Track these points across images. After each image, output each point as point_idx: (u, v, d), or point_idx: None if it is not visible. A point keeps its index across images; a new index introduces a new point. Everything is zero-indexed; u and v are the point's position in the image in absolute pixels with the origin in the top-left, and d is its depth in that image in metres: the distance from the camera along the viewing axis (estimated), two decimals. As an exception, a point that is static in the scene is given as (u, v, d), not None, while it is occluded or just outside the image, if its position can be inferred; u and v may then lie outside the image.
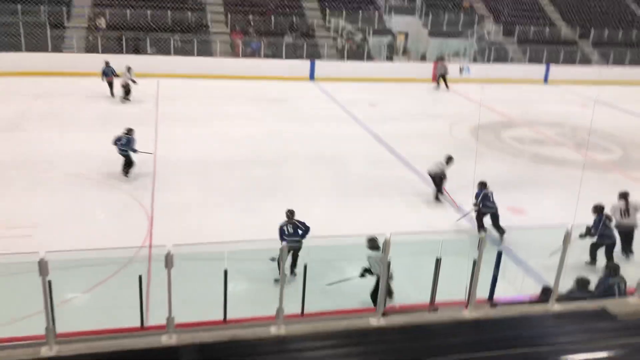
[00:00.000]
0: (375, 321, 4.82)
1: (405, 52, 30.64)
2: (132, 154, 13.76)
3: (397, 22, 31.34)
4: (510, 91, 27.94)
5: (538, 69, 30.29)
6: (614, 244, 10.61)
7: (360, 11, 30.74)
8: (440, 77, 27.25)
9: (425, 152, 16.89)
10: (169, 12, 27.56)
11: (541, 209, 13.67)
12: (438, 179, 13.81)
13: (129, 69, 21.26)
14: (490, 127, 20.76)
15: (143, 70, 23.76)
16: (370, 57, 29.06)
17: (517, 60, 31.00)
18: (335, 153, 16.88)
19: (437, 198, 13.87)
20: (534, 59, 30.83)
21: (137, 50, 25.73)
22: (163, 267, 4.74)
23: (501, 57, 30.64)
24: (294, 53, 27.74)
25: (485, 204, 12.05)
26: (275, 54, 27.47)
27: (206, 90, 24.11)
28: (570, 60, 31.01)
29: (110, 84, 21.30)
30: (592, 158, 17.92)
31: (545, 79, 30.25)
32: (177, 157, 15.63)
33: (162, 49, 26.12)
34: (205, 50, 26.62)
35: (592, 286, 8.21)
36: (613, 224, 10.83)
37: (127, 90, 21.15)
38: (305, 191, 13.82)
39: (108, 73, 21.23)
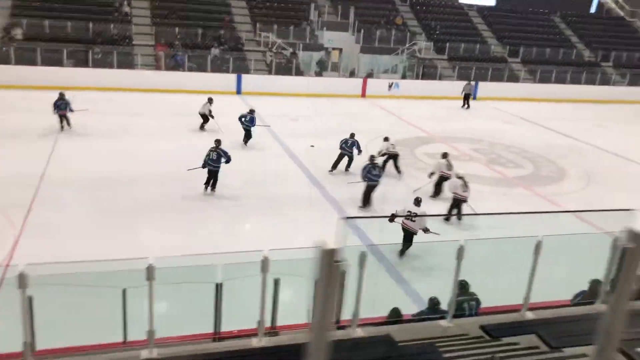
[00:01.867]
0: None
1: (336, 67, 30.53)
2: (252, 129, 18.57)
3: (329, 38, 31.26)
4: (437, 107, 28.13)
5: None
6: (374, 186, 14.09)
7: (292, 26, 30.55)
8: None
9: (325, 171, 16.71)
10: (91, 24, 26.74)
11: (435, 225, 13.52)
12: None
13: (210, 101, 20.37)
14: (407, 143, 20.69)
15: (60, 82, 22.94)
16: (299, 72, 28.83)
17: (447, 77, 31.29)
18: (244, 169, 16.43)
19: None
20: (464, 76, 31.18)
21: (52, 62, 24.78)
22: None
23: (431, 73, 30.87)
24: (221, 67, 27.27)
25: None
26: (201, 68, 26.93)
27: (124, 103, 23.34)
28: (498, 77, 31.49)
29: (63, 118, 18.76)
30: (501, 174, 18.01)
31: (474, 96, 30.58)
32: (68, 174, 14.87)
33: (81, 62, 25.26)
34: (128, 63, 25.88)
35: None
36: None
37: (205, 120, 20.34)
38: (206, 209, 13.35)
39: (61, 106, 18.60)
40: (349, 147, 16.90)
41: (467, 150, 20.45)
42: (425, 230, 11.66)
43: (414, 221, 11.57)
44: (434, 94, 29.63)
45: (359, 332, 5.43)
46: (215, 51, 27.68)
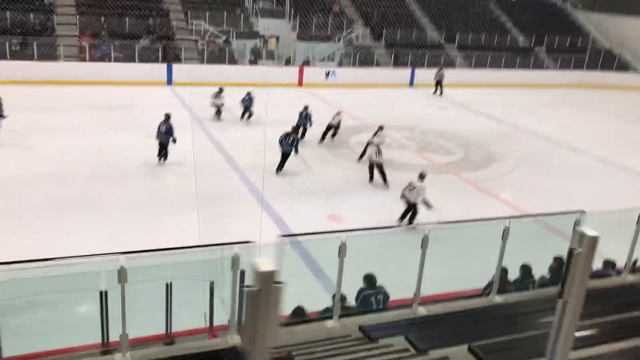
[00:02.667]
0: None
1: (272, 55, 29.98)
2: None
3: (265, 25, 30.65)
4: (374, 95, 28.01)
5: (404, 73, 30.64)
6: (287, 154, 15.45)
7: (225, 13, 29.77)
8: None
9: (261, 162, 16.24)
10: (8, 13, 25.28)
11: (364, 212, 13.34)
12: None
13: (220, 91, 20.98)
14: (341, 132, 20.43)
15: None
16: (233, 61, 28.15)
17: (384, 64, 31.21)
18: (165, 164, 15.81)
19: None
20: (400, 63, 31.19)
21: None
22: None
23: (368, 61, 30.70)
24: (150, 56, 26.30)
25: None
26: (129, 58, 25.90)
27: (42, 97, 22.16)
28: (435, 63, 31.62)
29: None
30: (431, 160, 17.99)
31: (411, 83, 30.67)
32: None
33: (-3, 53, 23.87)
34: (50, 55, 24.61)
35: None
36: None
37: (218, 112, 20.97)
38: (112, 209, 12.69)
39: None
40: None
41: (399, 138, 20.36)
42: (425, 203, 12.68)
43: (411, 192, 12.74)
44: (371, 82, 29.49)
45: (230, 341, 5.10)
46: (144, 41, 26.67)
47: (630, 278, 8.06)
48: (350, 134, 20.37)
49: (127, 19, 27.36)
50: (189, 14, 29.17)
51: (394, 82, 30.09)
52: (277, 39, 31.07)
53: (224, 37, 28.65)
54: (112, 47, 25.74)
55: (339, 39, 31.25)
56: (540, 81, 33.43)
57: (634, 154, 20.10)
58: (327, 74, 28.89)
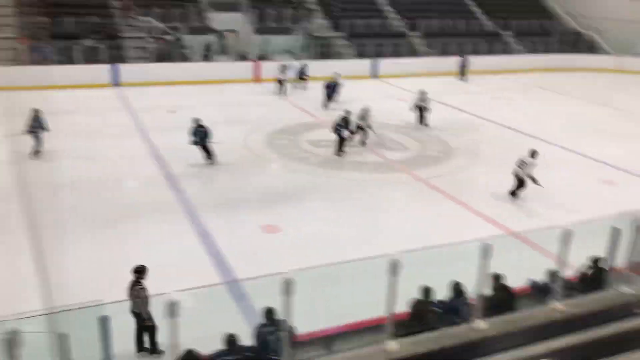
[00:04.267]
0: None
1: (227, 51, 28.67)
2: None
3: (219, 20, 29.30)
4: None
5: (366, 64, 29.50)
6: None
7: (175, 8, 28.38)
8: None
9: (194, 171, 15.12)
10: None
11: (305, 222, 12.25)
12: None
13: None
14: (291, 130, 19.31)
15: None
16: (185, 59, 26.83)
17: (345, 55, 30.04)
18: (100, 175, 14.54)
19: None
20: (363, 54, 30.05)
21: None
22: None
23: (328, 52, 29.52)
24: (94, 57, 24.89)
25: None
26: (72, 60, 24.48)
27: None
28: (398, 53, 30.53)
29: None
30: (384, 157, 16.92)
31: (374, 74, 29.53)
32: None
33: None
34: (-17, 59, 23.14)
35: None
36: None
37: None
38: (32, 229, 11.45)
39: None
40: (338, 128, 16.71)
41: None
42: (532, 179, 13.50)
43: (521, 168, 13.62)
44: (330, 75, 28.25)
45: None
46: (88, 42, 25.24)
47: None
48: (302, 131, 19.22)
49: (69, 19, 25.89)
50: (135, 10, 27.70)
51: (356, 73, 28.89)
52: (235, 33, 29.76)
53: (174, 34, 27.28)
54: (52, 49, 24.29)
55: (298, 31, 30.02)
56: (510, 66, 32.43)
57: (600, 141, 19.22)
58: (285, 68, 27.59)
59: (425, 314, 6.96)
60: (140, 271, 7.53)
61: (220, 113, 21.24)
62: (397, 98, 25.16)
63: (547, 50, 34.39)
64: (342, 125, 16.70)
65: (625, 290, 6.73)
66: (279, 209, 12.83)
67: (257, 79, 27.22)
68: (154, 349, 7.63)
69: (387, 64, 29.76)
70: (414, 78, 29.31)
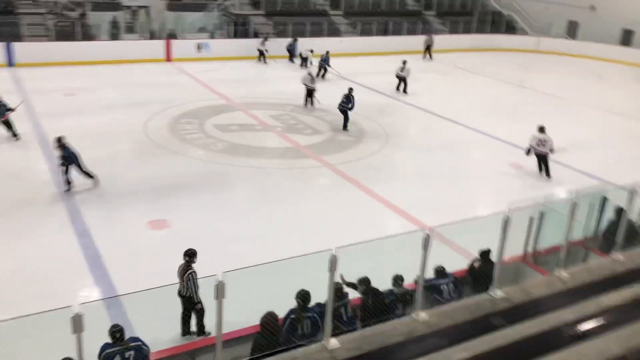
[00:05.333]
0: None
1: (136, 29, 26.99)
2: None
3: (129, -5, 27.53)
4: (252, 68, 25.86)
5: (285, 43, 28.49)
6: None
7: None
8: None
9: (92, 156, 13.86)
10: None
11: (196, 216, 11.37)
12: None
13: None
14: (199, 114, 18.25)
15: None
16: (89, 37, 25.03)
17: (265, 35, 28.94)
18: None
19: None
20: (282, 33, 29.06)
21: None
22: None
23: (246, 31, 28.34)
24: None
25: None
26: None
27: None
28: (319, 32, 29.73)
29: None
30: (295, 143, 16.20)
31: (294, 54, 28.59)
32: None
33: None
34: None
35: None
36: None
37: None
38: None
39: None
40: (344, 103, 17.34)
41: (265, 117, 18.41)
42: (551, 150, 14.34)
43: (543, 146, 14.35)
44: (249, 54, 27.24)
45: None
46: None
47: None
48: (209, 115, 18.19)
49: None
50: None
51: (276, 53, 27.96)
52: (146, 9, 28.05)
53: (77, 10, 25.37)
54: None
55: (214, 8, 28.65)
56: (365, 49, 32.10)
57: (513, 123, 19.25)
58: (199, 47, 26.35)
59: (298, 321, 6.32)
60: (191, 254, 7.47)
61: (123, 96, 19.90)
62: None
63: (468, 30, 34.49)
64: (346, 102, 17.29)
65: (495, 294, 6.16)
66: (171, 202, 11.89)
67: (169, 58, 25.81)
68: (201, 331, 7.56)
69: (307, 43, 28.86)
70: (335, 58, 28.69)
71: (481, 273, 7.75)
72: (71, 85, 20.60)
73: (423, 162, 15.27)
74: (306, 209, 12.02)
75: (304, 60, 26.20)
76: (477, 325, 5.17)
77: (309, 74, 19.90)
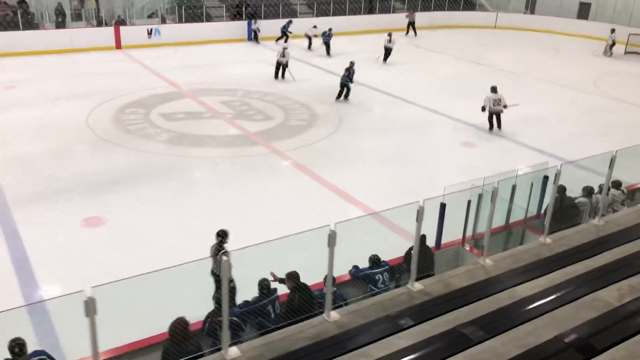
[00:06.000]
0: None
1: (86, 16, 26.00)
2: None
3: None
4: (205, 53, 25.12)
5: (241, 27, 27.84)
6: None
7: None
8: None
9: (16, 155, 13.21)
10: None
11: (134, 212, 10.86)
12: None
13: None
14: (145, 103, 17.59)
15: None
16: (33, 26, 23.99)
17: (217, 17, 28.21)
18: None
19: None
20: (238, 16, 28.34)
21: None
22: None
23: (199, 15, 27.55)
24: None
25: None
26: None
27: None
28: (273, 14, 29.07)
29: None
30: (244, 129, 15.71)
31: (249, 37, 27.97)
32: None
33: None
34: None
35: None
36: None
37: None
38: None
39: None
40: (345, 77, 18.43)
41: (215, 104, 17.85)
42: (505, 107, 15.78)
43: (498, 105, 15.75)
44: (204, 38, 26.51)
45: None
46: None
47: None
48: (157, 104, 17.55)
49: None
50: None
51: (230, 37, 27.30)
52: (95, -5, 27.02)
53: (19, -2, 24.32)
54: None
55: (165, -8, 27.79)
56: (388, 25, 31.86)
57: (467, 101, 19.03)
58: (150, 33, 25.51)
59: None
60: (223, 235, 7.61)
61: (67, 87, 19.09)
62: (271, 63, 23.81)
63: (426, 8, 34.16)
64: (347, 75, 18.38)
65: (412, 287, 5.81)
66: (108, 197, 11.34)
67: (118, 46, 24.92)
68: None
69: (263, 26, 28.23)
70: (293, 39, 28.15)
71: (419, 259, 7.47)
72: (11, 77, 19.71)
73: (375, 145, 14.94)
74: (250, 199, 11.58)
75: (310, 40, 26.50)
76: (389, 324, 4.84)
77: (283, 48, 20.94)
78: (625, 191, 9.64)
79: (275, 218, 10.57)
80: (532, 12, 35.50)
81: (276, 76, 21.01)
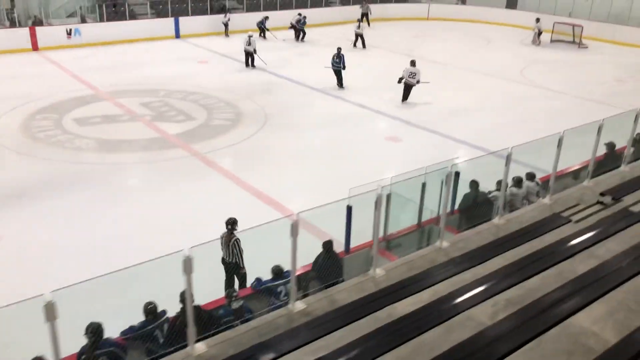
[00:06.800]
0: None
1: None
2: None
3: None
4: (129, 53, 24.07)
5: (167, 24, 26.88)
6: None
7: None
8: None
9: None
10: None
11: (32, 228, 10.07)
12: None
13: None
14: (59, 108, 16.61)
15: None
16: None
17: (142, 15, 27.14)
18: None
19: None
20: (163, 13, 27.36)
21: None
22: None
23: (122, 13, 26.41)
24: None
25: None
26: None
27: None
28: (204, 10, 28.22)
29: None
30: (163, 132, 15.00)
31: (177, 34, 27.07)
32: None
33: None
34: None
35: None
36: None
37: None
38: None
39: None
40: (337, 63, 19.19)
41: (134, 106, 17.03)
42: (418, 82, 17.23)
43: (413, 78, 17.25)
44: (127, 37, 25.45)
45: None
46: None
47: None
48: (72, 108, 16.59)
49: None
50: None
51: (156, 35, 26.31)
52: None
53: None
54: None
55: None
56: (323, 19, 31.55)
57: (397, 94, 18.90)
58: (69, 33, 24.27)
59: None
60: (232, 223, 7.72)
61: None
62: (198, 60, 23.11)
63: (359, 0, 33.92)
64: (338, 62, 19.05)
65: (293, 308, 5.33)
66: (6, 213, 10.52)
67: (35, 47, 23.60)
68: None
69: (191, 23, 27.39)
70: (221, 36, 27.43)
71: (323, 267, 7.10)
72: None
73: (299, 144, 14.53)
74: (163, 207, 10.97)
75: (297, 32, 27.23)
76: (263, 353, 4.40)
77: (249, 36, 21.66)
78: (540, 182, 9.55)
79: (187, 225, 10.01)
80: (464, 2, 35.84)
81: (247, 64, 21.66)
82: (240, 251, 7.61)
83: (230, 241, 7.60)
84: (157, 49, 24.86)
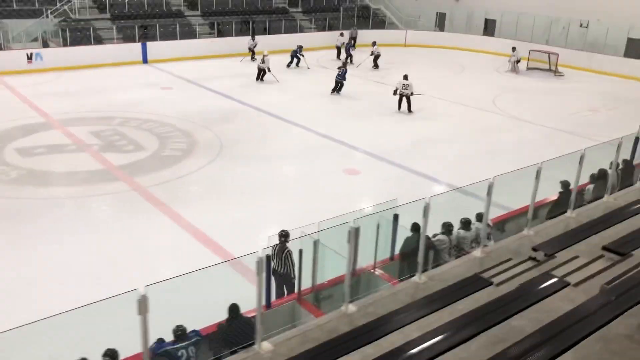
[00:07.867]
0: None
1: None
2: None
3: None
4: (92, 78, 23.28)
5: (134, 48, 26.19)
6: None
7: None
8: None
9: None
10: None
11: None
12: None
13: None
14: (3, 137, 15.74)
15: None
16: None
17: (108, 39, 26.46)
18: None
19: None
20: (129, 37, 26.70)
21: None
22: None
23: (87, 37, 25.73)
24: None
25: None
26: None
27: None
28: (172, 35, 27.61)
29: None
30: (108, 164, 14.14)
31: (145, 59, 26.38)
32: None
33: None
34: None
35: None
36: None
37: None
38: None
39: None
40: (339, 75, 21.84)
41: (83, 135, 16.19)
42: (412, 93, 18.83)
43: (407, 89, 18.85)
44: (90, 62, 24.71)
45: None
46: None
47: None
48: (15, 137, 15.73)
49: None
50: None
51: (122, 60, 25.59)
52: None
53: None
54: None
55: (50, 13, 25.78)
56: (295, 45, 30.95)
57: (362, 124, 18.25)
58: (30, 58, 23.50)
59: None
60: (285, 235, 7.85)
61: None
62: (161, 86, 22.36)
63: (334, 27, 33.53)
64: (341, 75, 21.66)
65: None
66: None
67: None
68: None
69: (159, 48, 26.74)
70: (191, 61, 26.79)
71: (229, 333, 6.22)
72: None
73: (252, 177, 13.68)
74: (89, 248, 10.09)
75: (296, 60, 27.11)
76: None
77: (264, 55, 23.16)
78: (491, 224, 8.76)
79: (112, 268, 9.14)
80: (442, 29, 35.55)
81: (257, 79, 23.21)
82: (293, 263, 7.73)
83: (284, 252, 7.79)
84: (122, 75, 24.12)
